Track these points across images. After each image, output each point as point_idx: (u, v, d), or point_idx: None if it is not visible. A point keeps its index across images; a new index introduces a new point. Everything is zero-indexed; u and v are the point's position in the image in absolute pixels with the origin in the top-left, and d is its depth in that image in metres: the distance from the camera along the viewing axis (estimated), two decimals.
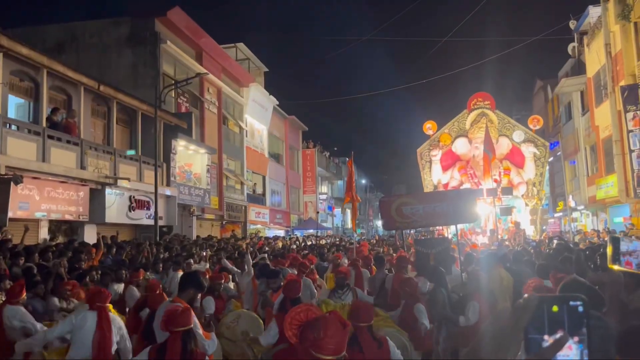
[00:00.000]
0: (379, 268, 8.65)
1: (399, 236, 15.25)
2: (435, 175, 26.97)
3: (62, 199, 13.13)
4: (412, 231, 23.71)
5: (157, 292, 5.47)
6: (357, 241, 16.05)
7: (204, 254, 10.98)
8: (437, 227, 18.96)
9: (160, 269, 9.23)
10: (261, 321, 5.88)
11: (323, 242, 23.32)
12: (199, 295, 4.37)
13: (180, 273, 8.15)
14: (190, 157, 21.51)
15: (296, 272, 8.19)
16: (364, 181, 62.74)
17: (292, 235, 30.53)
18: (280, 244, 20.39)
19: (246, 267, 8.06)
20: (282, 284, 6.64)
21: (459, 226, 17.39)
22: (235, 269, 9.04)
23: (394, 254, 11.82)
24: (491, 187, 22.06)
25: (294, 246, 18.15)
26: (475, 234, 22.01)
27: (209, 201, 22.47)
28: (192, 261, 10.11)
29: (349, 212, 56.66)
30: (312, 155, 42.60)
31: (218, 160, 24.89)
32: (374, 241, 21.96)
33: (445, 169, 26.63)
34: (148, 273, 8.84)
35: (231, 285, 8.15)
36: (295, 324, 2.56)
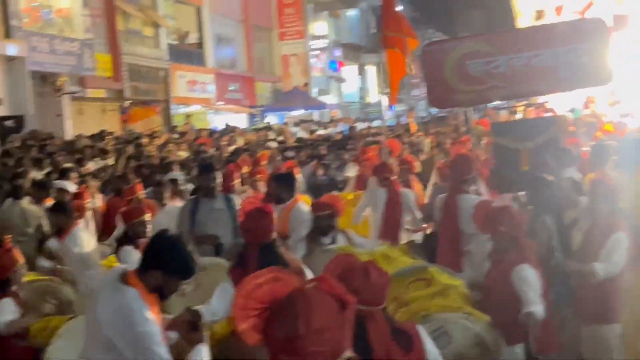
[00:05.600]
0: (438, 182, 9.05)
1: (463, 119, 15.37)
2: None
3: None
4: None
5: None
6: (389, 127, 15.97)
7: (87, 168, 11.16)
8: (537, 99, 19.02)
9: None
10: None
11: (323, 130, 23.58)
12: None
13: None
14: None
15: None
16: (401, 7, 61.13)
17: (262, 124, 30.68)
18: (241, 141, 20.55)
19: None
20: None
21: (583, 95, 17.54)
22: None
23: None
24: None
25: (272, 143, 18.36)
26: (616, 105, 22.12)
27: (93, 64, 22.42)
28: (65, 184, 10.23)
29: (373, 70, 56.48)
30: None
31: None
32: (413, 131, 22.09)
33: None
34: None
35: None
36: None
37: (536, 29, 15.03)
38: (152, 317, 4.12)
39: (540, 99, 18.02)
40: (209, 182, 8.02)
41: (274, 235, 5.58)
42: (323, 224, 7.13)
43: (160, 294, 4.31)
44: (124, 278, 4.22)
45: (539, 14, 26.50)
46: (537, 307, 5.31)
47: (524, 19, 26.87)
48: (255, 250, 5.44)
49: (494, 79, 8.87)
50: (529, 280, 5.47)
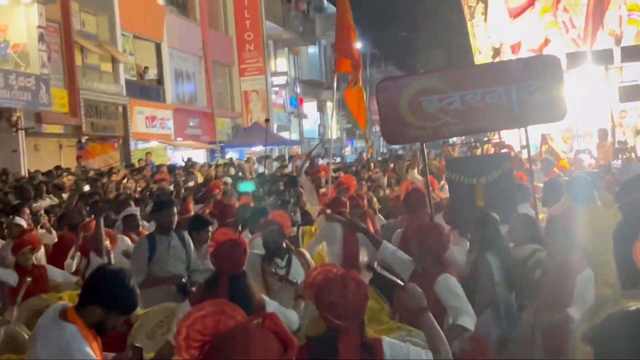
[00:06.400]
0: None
1: (419, 155, 15.44)
2: (495, 27, 26.95)
3: None
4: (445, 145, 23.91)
5: None
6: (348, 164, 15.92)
7: (39, 205, 11.07)
8: (492, 135, 19.19)
9: None
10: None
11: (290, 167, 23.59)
12: None
13: None
14: (4, 13, 20.96)
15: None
16: (360, 44, 61.97)
17: (221, 160, 30.53)
18: (200, 178, 20.47)
19: None
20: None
21: (538, 131, 17.78)
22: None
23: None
24: (603, 49, 22.25)
25: (228, 179, 18.31)
26: (571, 141, 22.42)
27: (49, 99, 22.25)
28: (20, 220, 10.13)
29: (329, 106, 56.85)
30: None
31: (62, 15, 24.33)
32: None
33: (514, 14, 26.55)
34: None
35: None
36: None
37: (490, 66, 15.24)
38: (91, 354, 4.05)
39: (497, 136, 18.11)
40: (167, 218, 8.00)
41: (245, 267, 5.62)
42: (271, 240, 7.15)
43: (100, 329, 4.24)
44: (63, 314, 4.15)
45: (496, 52, 26.84)
46: (467, 320, 5.38)
47: (481, 57, 27.20)
48: (225, 280, 5.48)
49: (447, 115, 8.83)
50: (455, 289, 5.58)
